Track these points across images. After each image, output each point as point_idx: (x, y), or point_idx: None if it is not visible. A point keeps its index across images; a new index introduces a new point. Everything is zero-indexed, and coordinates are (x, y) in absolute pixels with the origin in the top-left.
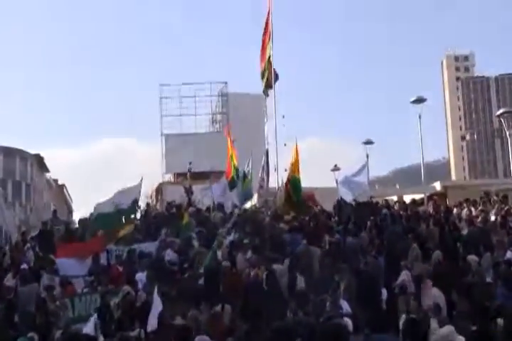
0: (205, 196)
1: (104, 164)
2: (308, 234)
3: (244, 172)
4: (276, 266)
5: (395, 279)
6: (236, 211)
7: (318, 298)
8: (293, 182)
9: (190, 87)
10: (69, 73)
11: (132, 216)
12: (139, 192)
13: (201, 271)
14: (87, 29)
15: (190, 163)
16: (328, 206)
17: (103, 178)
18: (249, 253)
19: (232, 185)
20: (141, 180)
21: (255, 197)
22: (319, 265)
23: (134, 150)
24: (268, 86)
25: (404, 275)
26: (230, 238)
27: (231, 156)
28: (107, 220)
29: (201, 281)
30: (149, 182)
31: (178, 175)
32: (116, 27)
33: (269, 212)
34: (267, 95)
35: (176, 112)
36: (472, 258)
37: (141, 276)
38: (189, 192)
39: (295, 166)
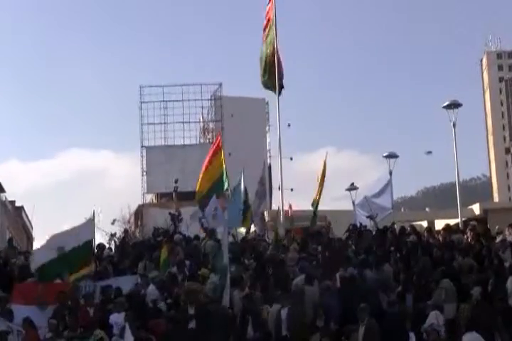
0: (193, 222)
1: (72, 182)
2: (318, 266)
3: (235, 189)
4: (276, 307)
5: (424, 322)
6: (230, 239)
7: None
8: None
9: (176, 89)
10: (27, 70)
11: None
12: (92, 231)
13: (191, 311)
14: (54, 21)
15: (176, 181)
16: (342, 232)
17: (71, 199)
18: (246, 290)
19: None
20: (92, 216)
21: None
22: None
23: (109, 165)
24: (272, 85)
25: (434, 317)
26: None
27: (219, 169)
28: (52, 269)
29: (192, 324)
30: (127, 203)
31: (161, 195)
32: (89, 14)
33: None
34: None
35: (159, 120)
36: None
37: (116, 318)
38: (176, 219)
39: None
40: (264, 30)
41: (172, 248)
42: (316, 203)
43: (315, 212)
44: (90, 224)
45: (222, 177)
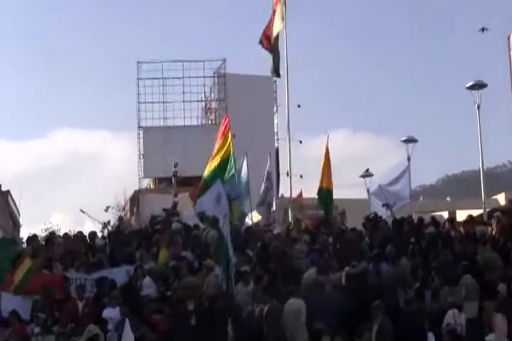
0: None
1: (62, 165)
2: (330, 259)
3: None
4: (293, 302)
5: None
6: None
7: None
8: (323, 197)
9: (176, 65)
10: (19, 45)
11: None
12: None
13: (191, 307)
14: None
15: (175, 165)
16: (358, 223)
17: (61, 183)
18: (251, 285)
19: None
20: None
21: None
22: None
23: (102, 147)
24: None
25: (451, 317)
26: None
27: (227, 154)
28: None
29: (193, 321)
30: (122, 189)
31: (159, 180)
32: None
33: (276, 229)
34: (277, 76)
35: (158, 98)
36: None
37: (110, 313)
38: (170, 213)
39: (324, 172)
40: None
41: (171, 237)
42: (324, 193)
43: (327, 202)
44: None
45: (230, 160)
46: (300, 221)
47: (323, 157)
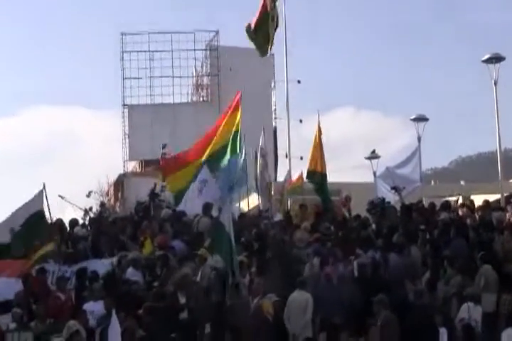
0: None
1: (39, 146)
2: (332, 249)
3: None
4: (297, 294)
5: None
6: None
7: None
8: (318, 182)
9: (165, 36)
10: None
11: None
12: (41, 202)
13: (182, 300)
14: None
15: (164, 147)
16: (363, 209)
17: (36, 166)
18: (247, 277)
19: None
20: (42, 189)
21: (255, 195)
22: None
23: (84, 127)
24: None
25: (465, 311)
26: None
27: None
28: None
29: (184, 314)
30: (105, 172)
31: (146, 163)
32: None
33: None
34: (265, 54)
35: (144, 73)
36: None
37: (92, 307)
38: (153, 195)
39: (315, 155)
40: None
41: (160, 226)
42: (318, 178)
43: (324, 188)
44: (39, 196)
45: (236, 140)
46: (306, 207)
47: (316, 138)
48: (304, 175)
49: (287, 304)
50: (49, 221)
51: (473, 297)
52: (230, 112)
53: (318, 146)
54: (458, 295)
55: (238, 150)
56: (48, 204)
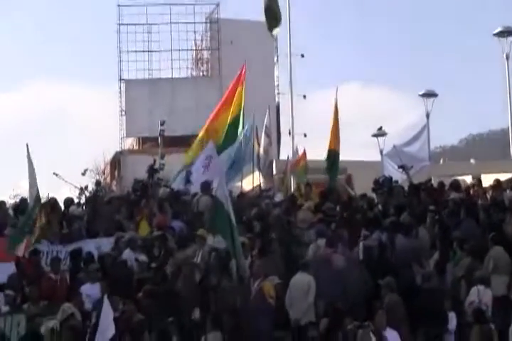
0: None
1: (33, 122)
2: (337, 230)
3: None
4: (299, 277)
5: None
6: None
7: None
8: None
9: (163, 9)
10: None
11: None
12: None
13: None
14: None
15: (162, 123)
16: (369, 188)
17: (31, 143)
18: (249, 258)
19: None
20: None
21: (257, 174)
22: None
23: (78, 103)
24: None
25: (475, 294)
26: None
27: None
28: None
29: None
30: (102, 150)
31: (143, 140)
32: None
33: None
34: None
35: (142, 47)
36: None
37: (89, 290)
38: (152, 170)
39: (333, 133)
40: None
41: (159, 205)
42: (331, 156)
43: (332, 167)
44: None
45: (239, 118)
46: (311, 186)
47: (333, 114)
48: (324, 155)
49: (289, 287)
50: (42, 200)
51: (482, 280)
52: (235, 87)
53: (335, 123)
54: (467, 278)
55: (242, 127)
56: (32, 165)
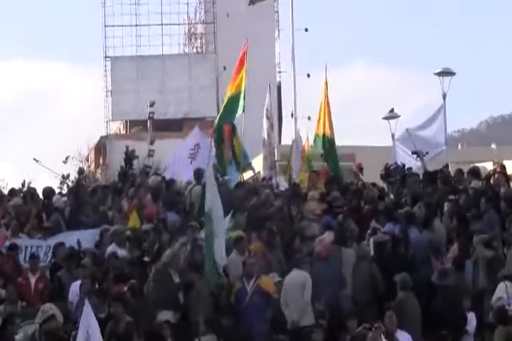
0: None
1: (11, 103)
2: (344, 222)
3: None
4: (294, 274)
5: (489, 298)
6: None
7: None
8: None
9: None
10: None
11: None
12: None
13: (176, 279)
14: None
15: (152, 105)
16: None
17: (9, 126)
18: (246, 254)
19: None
20: None
21: (259, 159)
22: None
23: (60, 83)
24: None
25: (503, 290)
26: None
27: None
28: None
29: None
30: (85, 134)
31: (131, 123)
32: None
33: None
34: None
35: (129, 21)
36: None
37: (76, 287)
38: (131, 156)
39: (321, 117)
40: None
41: (153, 195)
42: (327, 143)
43: (333, 155)
44: None
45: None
46: (317, 173)
47: (323, 97)
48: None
49: (284, 285)
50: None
51: (508, 276)
52: (240, 68)
53: (325, 106)
54: (490, 274)
55: (242, 111)
56: None
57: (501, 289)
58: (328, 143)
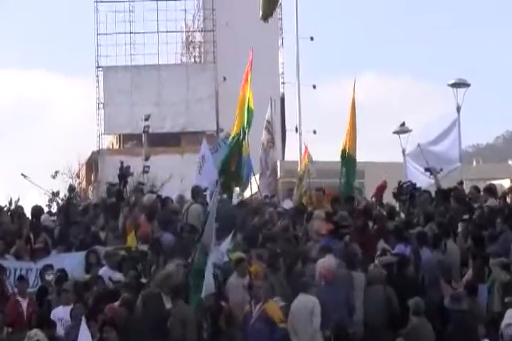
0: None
1: (2, 112)
2: (350, 245)
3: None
4: (301, 299)
5: None
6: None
7: None
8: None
9: None
10: None
11: None
12: None
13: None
14: None
15: (146, 118)
16: (389, 194)
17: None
18: (247, 277)
19: None
20: None
21: (257, 177)
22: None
23: (51, 94)
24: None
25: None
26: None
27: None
28: None
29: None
30: (76, 149)
31: (125, 137)
32: None
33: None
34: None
35: (124, 28)
36: None
37: (62, 313)
38: (125, 172)
39: (347, 132)
40: None
41: (149, 214)
42: (346, 156)
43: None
44: None
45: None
46: (323, 191)
47: (350, 110)
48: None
49: (291, 311)
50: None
51: None
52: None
53: (351, 121)
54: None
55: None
56: None
57: (510, 315)
58: (351, 158)
